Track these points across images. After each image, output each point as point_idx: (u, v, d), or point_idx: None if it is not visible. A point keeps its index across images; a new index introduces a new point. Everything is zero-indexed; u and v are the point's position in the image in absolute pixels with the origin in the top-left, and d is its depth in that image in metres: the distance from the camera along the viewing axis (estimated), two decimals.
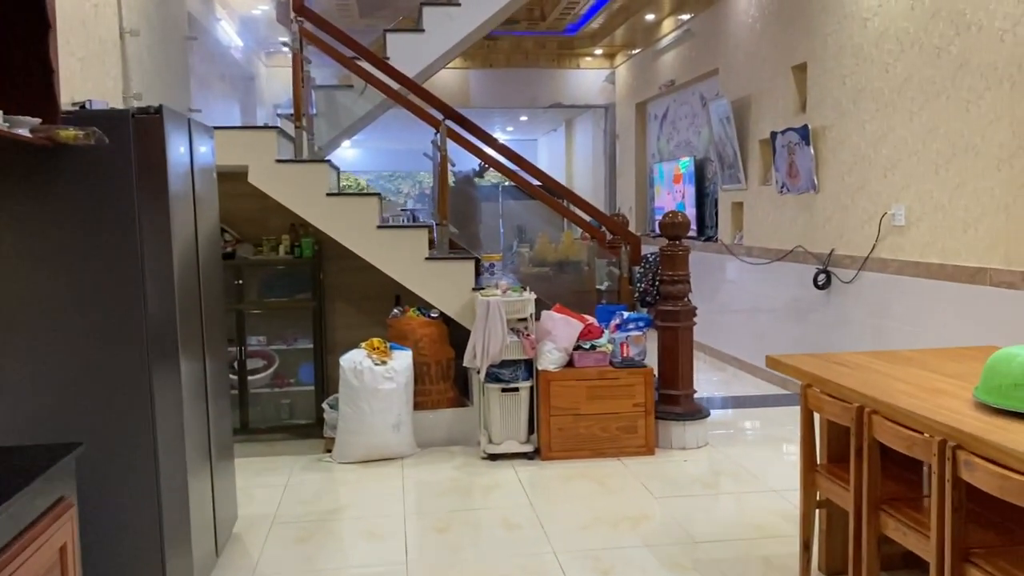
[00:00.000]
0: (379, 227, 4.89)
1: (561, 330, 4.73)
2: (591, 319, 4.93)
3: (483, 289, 4.89)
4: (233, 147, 4.72)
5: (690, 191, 8.57)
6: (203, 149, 3.42)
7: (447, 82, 10.88)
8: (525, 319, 4.73)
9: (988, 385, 2.47)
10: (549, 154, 16.81)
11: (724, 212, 7.72)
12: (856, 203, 5.50)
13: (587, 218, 5.58)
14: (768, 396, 6.26)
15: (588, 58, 11.18)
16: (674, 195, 9.07)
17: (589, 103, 11.47)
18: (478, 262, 5.05)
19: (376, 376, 4.65)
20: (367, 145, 16.99)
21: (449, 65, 10.86)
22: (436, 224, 5.06)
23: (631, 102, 10.64)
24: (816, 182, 5.94)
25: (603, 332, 4.87)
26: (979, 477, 2.16)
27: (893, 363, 3.18)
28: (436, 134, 5.13)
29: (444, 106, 5.02)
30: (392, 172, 18.54)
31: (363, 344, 4.84)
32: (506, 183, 6.01)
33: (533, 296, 4.76)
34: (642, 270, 5.28)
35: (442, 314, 5.07)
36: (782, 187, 6.42)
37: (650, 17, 9.15)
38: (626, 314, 4.95)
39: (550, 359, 4.70)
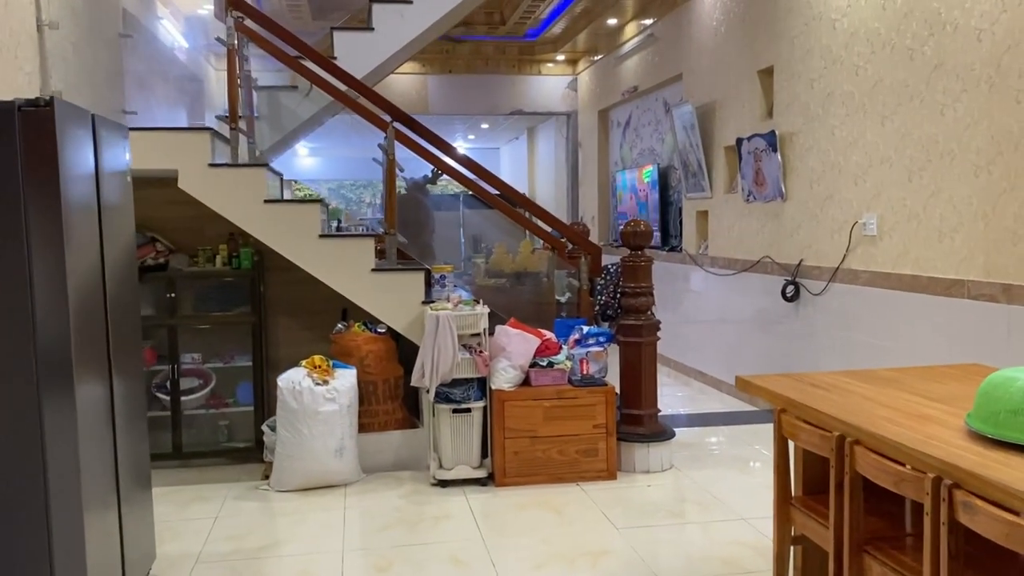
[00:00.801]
0: (321, 236, 4.56)
1: (516, 346, 4.43)
2: (549, 334, 4.63)
3: (433, 303, 4.57)
4: (162, 150, 4.37)
5: (654, 199, 8.33)
6: (113, 150, 3.06)
7: (405, 87, 10.56)
8: (478, 334, 4.42)
9: (983, 412, 2.21)
10: (512, 163, 16.54)
11: (689, 221, 7.48)
12: (825, 212, 5.27)
13: (546, 227, 5.29)
14: (735, 413, 6.01)
15: (550, 64, 10.94)
16: (637, 203, 8.83)
17: (551, 110, 11.22)
18: (428, 273, 4.73)
19: (316, 397, 4.30)
20: (328, 153, 16.59)
21: (407, 70, 10.58)
22: (384, 233, 4.73)
23: (593, 109, 10.40)
24: (784, 190, 5.71)
25: (561, 348, 4.57)
26: (981, 522, 1.89)
27: (872, 384, 2.91)
28: (386, 138, 4.82)
29: (392, 108, 4.70)
30: (354, 181, 18.13)
31: (303, 362, 4.49)
32: (461, 190, 5.72)
33: (486, 310, 4.44)
34: (603, 282, 5.00)
35: (390, 329, 4.73)
36: (748, 195, 6.19)
37: (612, 22, 8.92)
38: (586, 328, 4.66)
39: (504, 377, 4.39)
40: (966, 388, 2.83)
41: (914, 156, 4.43)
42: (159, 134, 4.36)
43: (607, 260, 5.44)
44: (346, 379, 4.44)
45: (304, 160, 17.07)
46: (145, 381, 5.07)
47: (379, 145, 4.64)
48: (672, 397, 6.66)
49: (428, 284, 4.74)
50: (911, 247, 4.47)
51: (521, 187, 14.76)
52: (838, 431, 2.47)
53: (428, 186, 5.67)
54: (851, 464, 2.40)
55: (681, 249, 7.65)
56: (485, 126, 13.93)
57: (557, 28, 9.63)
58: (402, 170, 4.76)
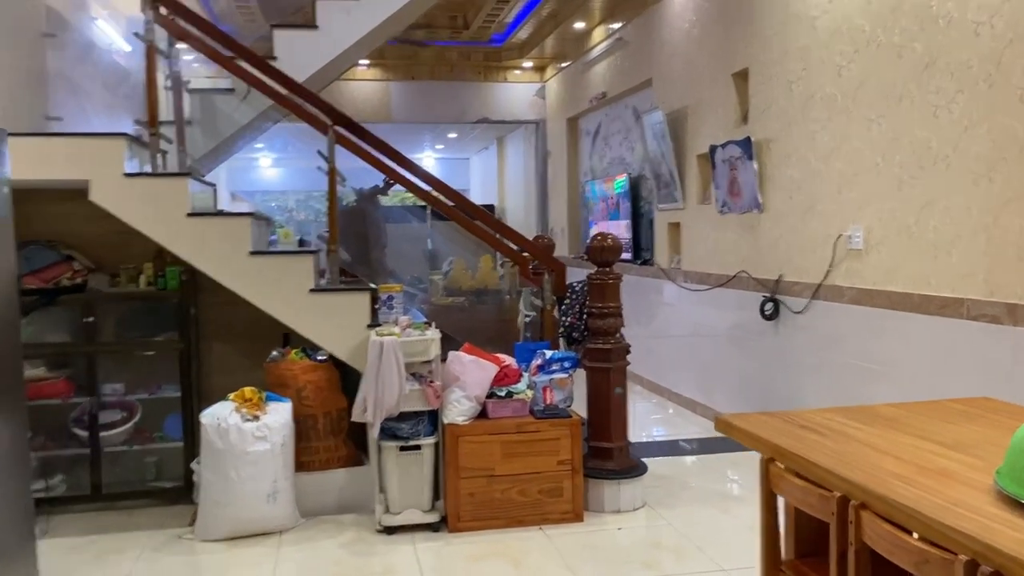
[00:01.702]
0: (253, 253, 4.09)
1: (471, 374, 3.98)
2: (508, 360, 4.19)
3: (380, 326, 4.11)
4: (71, 159, 3.90)
5: (625, 210, 7.93)
6: None
7: (367, 94, 10.12)
8: (429, 361, 3.97)
9: (1020, 473, 1.80)
10: (482, 173, 16.12)
11: (660, 233, 7.09)
12: (806, 224, 4.89)
13: (508, 241, 4.86)
14: (711, 440, 5.59)
15: (517, 71, 10.54)
16: (608, 214, 8.43)
17: (519, 118, 10.81)
18: (375, 294, 4.28)
19: (245, 435, 3.82)
20: (292, 165, 16.07)
21: (368, 76, 10.14)
22: (326, 250, 4.28)
23: (562, 117, 10.01)
24: (760, 200, 5.33)
25: (522, 375, 4.13)
26: None
27: (872, 425, 2.50)
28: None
29: (333, 110, 4.26)
30: (323, 192, 17.61)
31: (231, 395, 4.02)
32: (415, 202, 5.28)
33: (437, 335, 3.99)
34: (568, 301, 4.57)
35: (332, 356, 4.27)
36: (723, 206, 5.80)
37: (580, 26, 8.54)
38: (549, 353, 4.22)
39: (458, 410, 3.94)
40: (982, 430, 2.43)
41: (904, 163, 4.05)
42: (67, 140, 3.89)
43: (579, 275, 5.02)
44: (280, 414, 3.96)
45: (267, 171, 16.56)
46: (61, 415, 4.65)
47: (318, 152, 4.19)
48: (644, 419, 6.25)
49: (374, 305, 4.28)
50: (902, 262, 4.09)
51: (491, 198, 14.36)
52: (840, 491, 2.05)
53: (379, 197, 5.22)
54: (857, 533, 1.98)
55: (653, 263, 7.25)
56: (453, 135, 13.51)
57: (523, 33, 9.24)
58: (343, 180, 4.31)
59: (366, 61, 9.91)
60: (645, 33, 7.31)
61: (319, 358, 4.27)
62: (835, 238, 4.58)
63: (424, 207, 5.73)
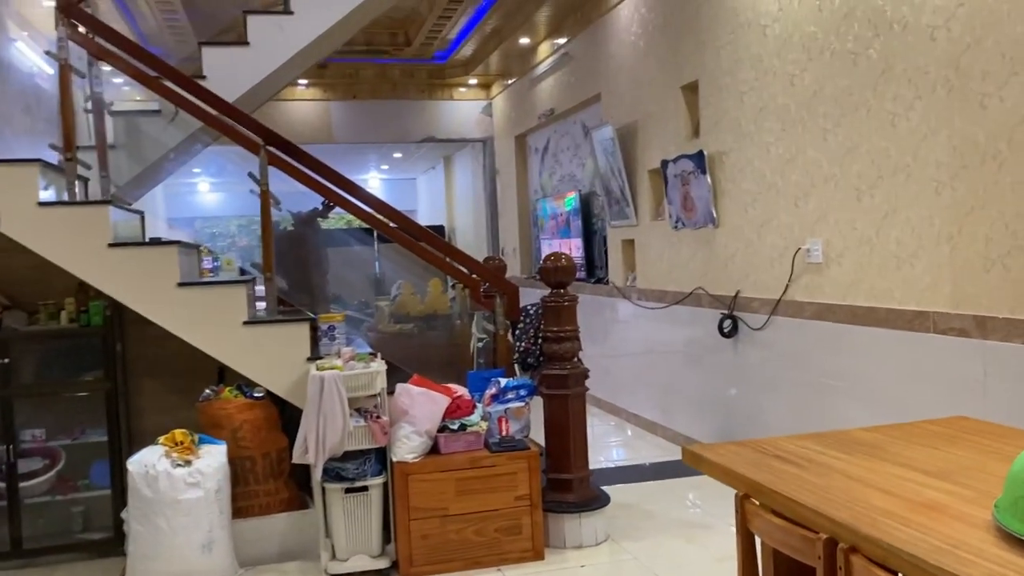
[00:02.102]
0: (181, 284, 3.80)
1: (421, 408, 3.74)
2: (460, 390, 3.96)
3: (321, 359, 3.85)
4: None
5: (577, 228, 7.77)
6: None
7: (306, 114, 9.84)
8: (375, 395, 3.72)
9: (1020, 508, 1.63)
10: (429, 193, 15.89)
11: (614, 251, 6.93)
12: (763, 238, 4.76)
13: (457, 263, 4.63)
14: (674, 463, 5.41)
15: (462, 88, 10.36)
16: (560, 231, 8.27)
17: (465, 137, 10.62)
18: (315, 324, 4.01)
19: (176, 482, 3.52)
20: (232, 190, 15.64)
21: (308, 96, 9.86)
22: (261, 278, 4.01)
23: (510, 135, 9.84)
24: (715, 215, 5.19)
25: (475, 406, 3.90)
26: None
27: (850, 453, 2.33)
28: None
29: (264, 129, 4.00)
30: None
31: (161, 439, 3.71)
32: (360, 224, 5.02)
33: (383, 367, 3.74)
34: (522, 325, 4.35)
35: (271, 392, 3.99)
36: (677, 222, 5.66)
37: (525, 41, 8.39)
38: (504, 381, 4.00)
39: (408, 447, 3.69)
40: (965, 454, 2.27)
41: (863, 173, 3.93)
42: None
43: (533, 295, 4.82)
44: (214, 457, 3.67)
45: (207, 196, 16.10)
46: None
47: (249, 174, 3.93)
48: (603, 444, 6.06)
49: (315, 337, 4.02)
50: (864, 275, 3.97)
51: (440, 219, 14.12)
52: (825, 531, 1.86)
53: (319, 220, 4.96)
54: None
55: (608, 281, 7.09)
56: (398, 155, 13.27)
57: (467, 49, 9.06)
58: (277, 203, 4.05)
59: (305, 80, 9.64)
60: (591, 47, 7.18)
61: (256, 395, 3.98)
62: (793, 252, 4.46)
63: (369, 230, 5.48)
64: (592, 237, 7.73)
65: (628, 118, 6.43)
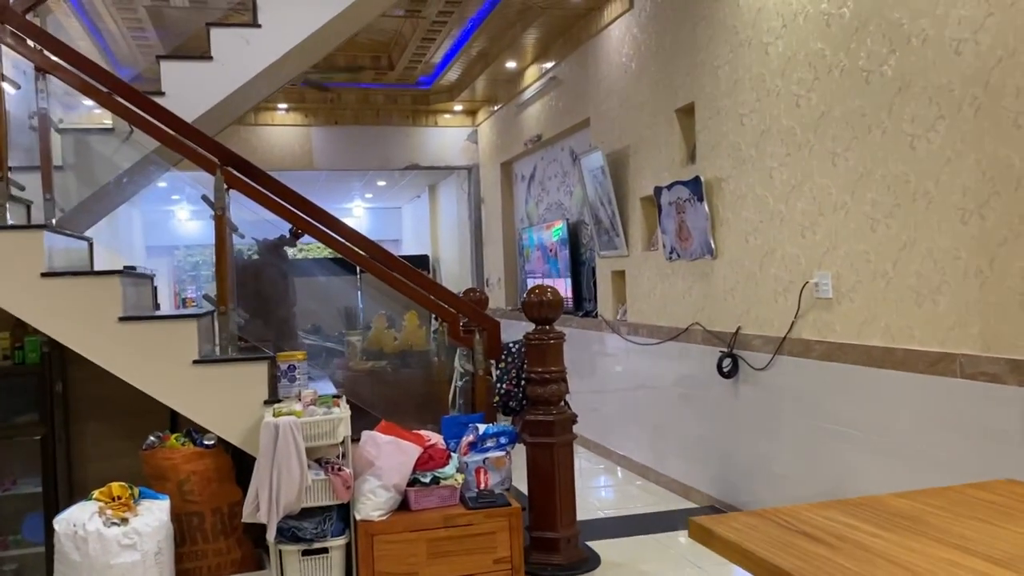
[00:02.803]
0: (123, 319, 3.40)
1: (389, 459, 3.33)
2: (434, 437, 3.56)
3: (279, 402, 3.45)
4: None
5: (564, 258, 7.41)
6: None
7: (286, 140, 9.49)
8: (338, 444, 3.32)
9: None
10: (414, 223, 15.53)
11: (603, 283, 6.57)
12: (766, 270, 4.41)
13: (432, 295, 4.25)
14: (668, 513, 5.01)
15: (447, 115, 10.04)
16: (546, 262, 7.91)
17: (450, 164, 10.28)
18: (273, 363, 3.61)
19: (108, 544, 3.10)
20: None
21: (287, 121, 9.51)
22: (215, 312, 3.61)
23: (496, 162, 9.51)
24: (713, 245, 4.85)
25: (450, 456, 3.50)
26: None
27: (890, 529, 1.93)
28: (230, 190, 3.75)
29: (222, 149, 3.63)
30: (248, 245, 16.72)
31: (96, 493, 3.29)
32: (331, 254, 4.64)
33: (347, 412, 3.35)
34: (504, 365, 3.97)
35: (224, 440, 3.58)
36: (671, 252, 5.31)
37: (511, 65, 8.09)
38: (482, 427, 3.61)
39: (373, 503, 3.28)
40: None
41: (877, 200, 3.59)
42: None
43: (519, 329, 4.43)
44: (154, 514, 3.25)
45: (188, 224, 15.68)
46: None
47: (203, 197, 3.56)
48: (592, 492, 5.64)
49: (275, 377, 3.62)
50: (880, 312, 3.61)
51: (424, 249, 13.75)
52: None
53: (286, 249, 4.58)
54: None
55: (596, 314, 6.72)
56: (382, 183, 12.92)
57: (452, 74, 8.75)
58: (234, 229, 3.67)
59: (284, 105, 9.31)
60: (580, 71, 6.87)
61: (206, 443, 3.57)
62: (800, 286, 4.10)
63: (342, 260, 5.10)
64: (580, 268, 7.37)
65: (619, 143, 6.10)
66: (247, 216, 4.39)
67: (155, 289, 4.27)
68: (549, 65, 7.57)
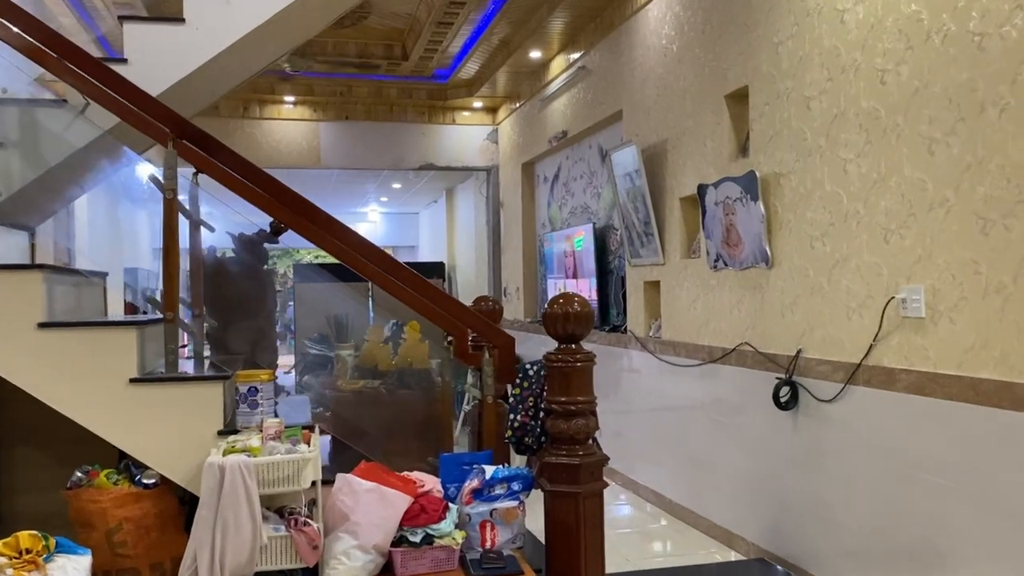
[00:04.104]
0: (43, 325, 2.73)
1: (368, 511, 2.62)
2: (429, 481, 2.85)
3: (236, 433, 2.76)
4: None
5: (589, 267, 6.70)
6: None
7: (292, 136, 8.86)
8: (304, 491, 2.62)
9: None
10: (431, 228, 14.88)
11: (635, 294, 5.84)
12: (836, 282, 3.67)
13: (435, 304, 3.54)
14: (716, 567, 4.27)
15: (466, 112, 9.38)
16: (570, 269, 7.20)
17: (468, 165, 9.61)
18: (231, 383, 2.92)
19: None
20: (218, 221, 14.66)
21: (294, 115, 8.87)
22: (162, 319, 2.92)
23: (516, 162, 8.82)
24: (769, 252, 4.12)
25: (448, 508, 2.79)
26: None
27: None
28: (195, 175, 3.08)
29: (175, 118, 2.95)
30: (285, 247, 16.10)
31: (0, 544, 2.60)
32: (320, 256, 3.96)
33: (317, 451, 2.64)
34: (518, 392, 3.24)
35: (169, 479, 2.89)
36: (717, 260, 4.59)
37: (536, 55, 7.41)
38: (490, 470, 2.90)
39: (347, 568, 2.57)
40: None
41: (992, 196, 2.86)
42: None
43: (539, 345, 3.72)
44: (68, 575, 2.55)
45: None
46: None
47: (151, 177, 2.88)
48: (618, 536, 4.89)
49: (234, 401, 2.93)
50: (992, 337, 2.87)
51: (440, 256, 13.09)
52: None
53: (266, 246, 3.89)
54: None
55: (626, 330, 5.99)
56: (397, 185, 12.28)
57: (471, 66, 8.08)
58: (200, 221, 3.00)
59: (292, 97, 8.68)
60: (612, 58, 6.18)
61: (146, 482, 2.87)
62: (883, 302, 3.36)
63: (335, 264, 4.41)
64: (607, 277, 6.66)
65: (656, 137, 5.39)
66: (238, 220, 3.76)
67: (105, 291, 3.60)
68: (577, 55, 6.88)
